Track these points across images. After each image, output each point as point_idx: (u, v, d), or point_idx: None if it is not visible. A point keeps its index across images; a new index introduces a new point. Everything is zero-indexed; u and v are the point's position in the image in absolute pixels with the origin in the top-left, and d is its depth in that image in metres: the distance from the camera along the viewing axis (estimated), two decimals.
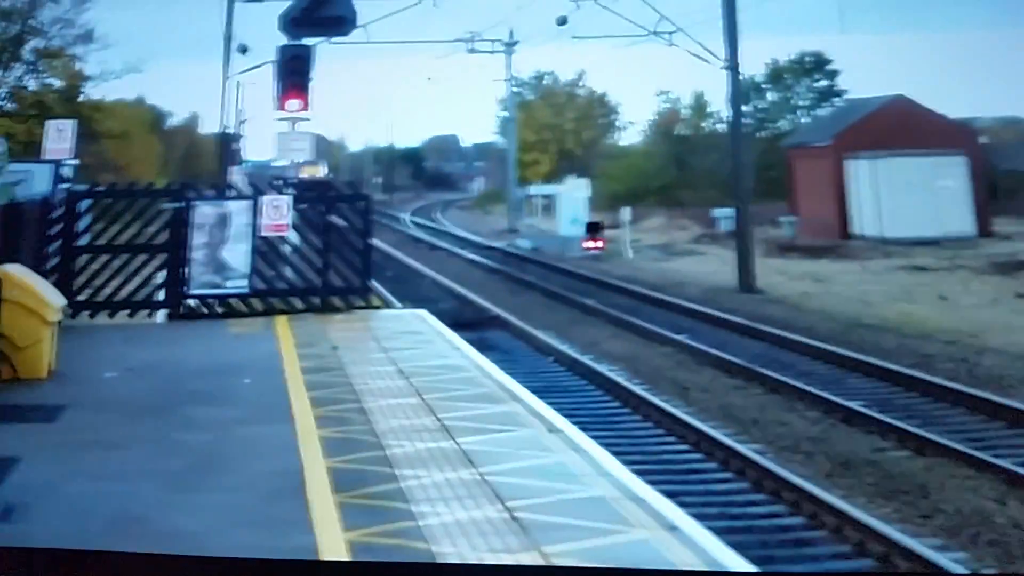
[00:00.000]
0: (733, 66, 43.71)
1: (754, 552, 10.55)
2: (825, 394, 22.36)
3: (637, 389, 22.90)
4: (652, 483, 11.44)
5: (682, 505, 10.77)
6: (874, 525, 14.71)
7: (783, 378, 23.92)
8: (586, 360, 26.02)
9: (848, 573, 13.73)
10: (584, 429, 13.68)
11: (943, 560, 13.70)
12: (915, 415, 21.05)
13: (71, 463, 11.76)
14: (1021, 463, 17.61)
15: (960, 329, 30.45)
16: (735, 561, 8.97)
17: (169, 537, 9.24)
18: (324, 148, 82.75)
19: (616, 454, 12.54)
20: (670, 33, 43.88)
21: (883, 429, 19.97)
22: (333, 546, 9.00)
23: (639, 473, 11.73)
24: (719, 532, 10.14)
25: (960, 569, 11.16)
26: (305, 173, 76.10)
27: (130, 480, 10.97)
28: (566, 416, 14.21)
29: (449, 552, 8.87)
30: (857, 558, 14.33)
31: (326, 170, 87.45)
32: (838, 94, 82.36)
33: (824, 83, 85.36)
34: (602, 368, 25.14)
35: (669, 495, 11.10)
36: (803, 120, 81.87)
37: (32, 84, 60.61)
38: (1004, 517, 15.66)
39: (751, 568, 7.97)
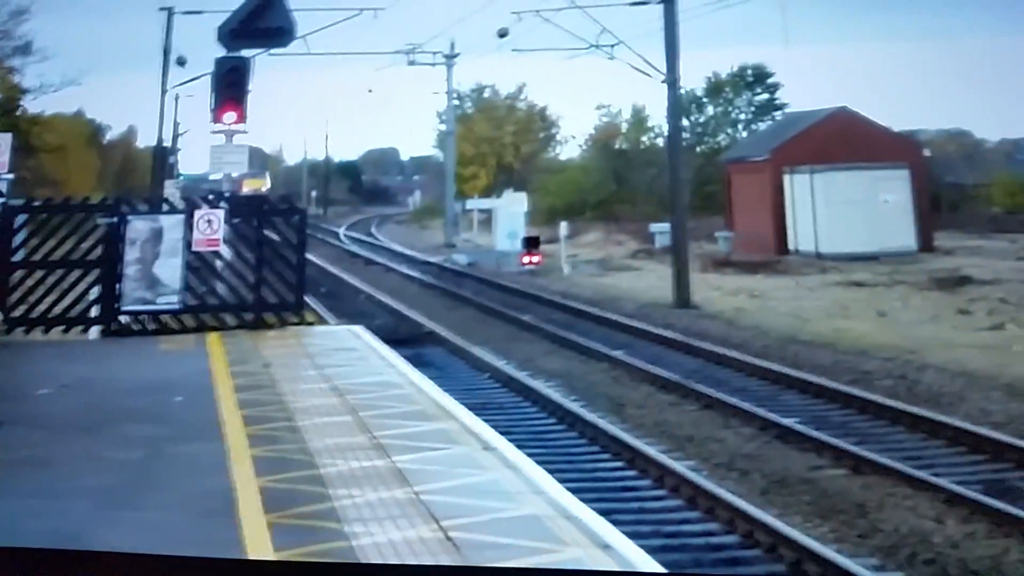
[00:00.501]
0: (673, 80, 43.89)
1: (689, 571, 10.62)
2: (760, 411, 22.41)
3: (572, 406, 22.90)
4: (586, 501, 11.58)
5: (616, 523, 10.95)
6: (810, 545, 14.77)
7: (718, 394, 23.97)
8: (522, 377, 26.02)
9: None
10: (519, 446, 13.84)
11: None
12: (852, 433, 21.09)
13: (3, 481, 11.85)
14: (960, 482, 17.67)
15: (899, 345, 30.61)
16: None
17: (102, 559, 9.32)
18: (260, 161, 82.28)
19: (551, 471, 12.67)
20: (611, 46, 44.13)
21: (819, 447, 20.01)
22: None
23: (573, 491, 11.87)
24: (652, 551, 10.31)
25: None
26: (248, 187, 75.51)
27: (63, 498, 11.05)
28: (501, 433, 14.37)
29: None
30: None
31: (270, 183, 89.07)
32: (779, 107, 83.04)
33: (764, 96, 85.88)
34: (538, 384, 25.16)
35: (603, 513, 11.24)
36: (742, 134, 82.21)
37: None
38: (941, 536, 15.70)
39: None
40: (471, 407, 16.11)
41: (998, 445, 19.78)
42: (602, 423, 21.41)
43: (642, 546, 10.20)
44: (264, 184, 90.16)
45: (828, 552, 14.62)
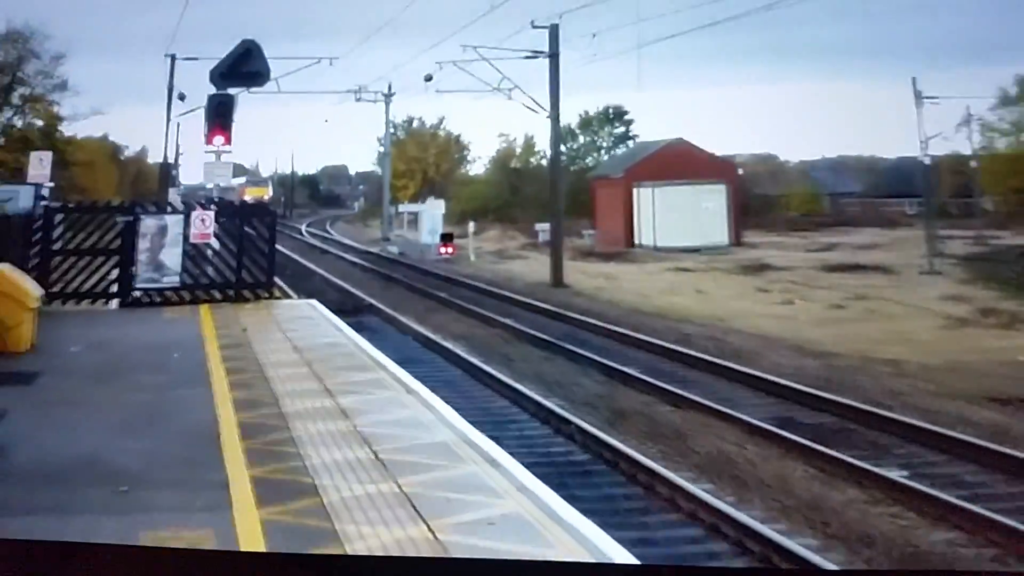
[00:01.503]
0: (554, 116, 44.05)
1: (554, 480, 10.74)
2: (609, 362, 22.71)
3: (474, 360, 23.11)
4: (481, 429, 11.72)
5: (503, 446, 10.99)
6: (641, 460, 15.08)
7: (580, 351, 24.24)
8: (436, 338, 26.14)
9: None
10: (433, 390, 13.91)
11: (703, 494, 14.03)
12: (677, 379, 21.35)
13: (44, 416, 11.81)
14: (756, 416, 17.99)
15: (713, 315, 30.93)
16: (541, 488, 9.25)
17: (116, 470, 9.40)
18: (240, 173, 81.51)
19: (456, 409, 12.71)
20: (509, 89, 44.07)
21: (652, 389, 20.33)
22: (239, 480, 9.07)
23: (472, 422, 12.00)
24: (529, 465, 10.46)
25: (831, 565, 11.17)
26: (250, 195, 71.50)
27: (88, 429, 11.03)
28: (420, 380, 14.36)
29: (328, 484, 9.06)
30: (627, 484, 14.58)
31: (271, 192, 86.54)
32: (632, 138, 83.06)
33: (621, 129, 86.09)
34: (448, 344, 25.30)
35: (493, 439, 11.38)
36: (604, 157, 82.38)
37: (19, 123, 60.02)
38: (743, 457, 15.98)
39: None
40: (398, 361, 16.04)
41: (786, 389, 20.14)
42: (494, 372, 21.62)
43: (522, 462, 10.35)
44: (266, 192, 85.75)
45: (655, 464, 14.91)
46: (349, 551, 7.39)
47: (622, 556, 6.54)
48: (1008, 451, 15.48)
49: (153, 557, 3.02)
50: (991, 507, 13.02)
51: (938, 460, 15.70)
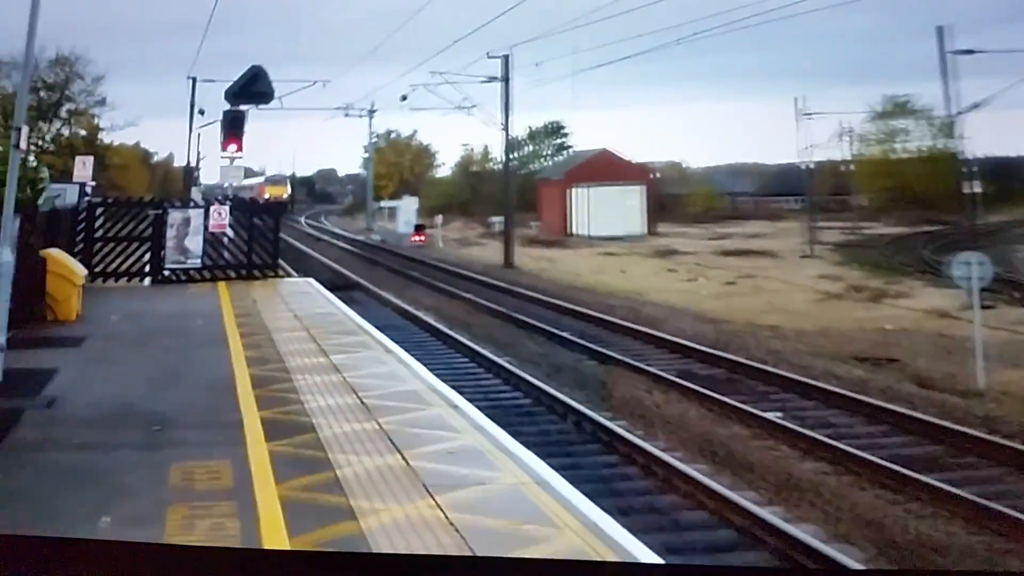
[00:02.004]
0: (506, 129, 44.17)
1: (503, 418, 10.88)
2: (548, 328, 22.85)
3: (440, 326, 23.14)
4: (445, 380, 11.82)
5: (461, 393, 11.10)
6: (572, 403, 15.22)
7: (526, 319, 24.32)
8: (411, 309, 26.13)
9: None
10: (407, 351, 13.99)
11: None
12: (602, 340, 21.46)
13: (90, 372, 11.85)
14: (662, 369, 18.15)
15: (632, 290, 31.08)
16: (491, 425, 9.40)
17: (150, 414, 9.46)
18: (251, 174, 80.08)
19: (425, 364, 12.77)
20: (470, 108, 44.09)
21: (582, 348, 20.48)
22: (252, 421, 9.11)
23: (438, 375, 12.11)
24: (482, 408, 10.61)
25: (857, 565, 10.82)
26: (269, 193, 71.39)
27: (126, 382, 11.07)
28: (397, 343, 14.39)
29: (322, 423, 9.18)
30: (560, 422, 14.72)
31: (290, 190, 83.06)
32: (569, 148, 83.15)
33: (560, 141, 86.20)
34: (420, 314, 25.29)
35: (455, 388, 11.48)
36: (547, 164, 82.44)
37: (66, 133, 59.69)
38: (651, 401, 16.11)
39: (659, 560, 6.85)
40: (379, 327, 16.07)
41: (687, 348, 20.35)
42: (456, 335, 21.72)
43: (477, 406, 10.51)
44: (285, 191, 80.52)
45: (582, 407, 15.01)
46: (339, 475, 7.56)
47: (647, 556, 6.36)
48: (866, 399, 15.69)
49: (170, 555, 2.76)
50: (851, 443, 13.18)
51: (808, 405, 15.85)
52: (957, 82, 30.51)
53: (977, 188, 45.09)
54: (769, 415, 14.70)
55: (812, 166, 58.40)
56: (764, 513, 10.49)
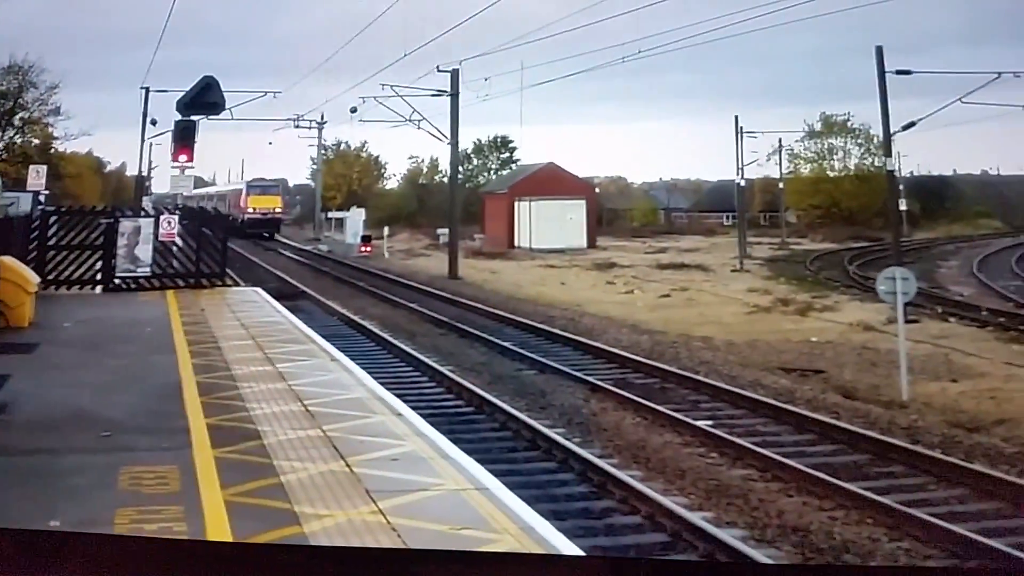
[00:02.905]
0: (454, 143, 44.10)
1: (444, 426, 10.88)
2: (490, 338, 22.79)
3: (385, 335, 22.99)
4: (389, 388, 11.90)
5: (405, 400, 11.23)
6: (512, 411, 15.23)
7: (469, 328, 24.26)
8: (356, 318, 25.98)
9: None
10: (352, 359, 14.00)
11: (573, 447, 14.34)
12: (542, 350, 21.45)
13: (42, 378, 11.80)
14: (599, 378, 18.15)
15: (571, 302, 31.05)
16: (432, 430, 9.45)
17: (100, 419, 9.46)
18: (198, 185, 77.94)
19: (370, 373, 12.84)
20: (419, 121, 43.90)
21: (522, 358, 20.45)
22: (198, 427, 9.14)
23: (383, 384, 12.16)
24: (425, 416, 10.65)
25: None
26: (253, 206, 63.28)
27: (78, 388, 11.04)
28: (342, 351, 14.46)
29: (267, 430, 9.18)
30: (500, 430, 14.70)
31: (281, 204, 68.40)
32: (514, 162, 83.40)
33: (506, 155, 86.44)
34: (365, 323, 25.15)
35: (399, 395, 11.54)
36: (492, 177, 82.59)
37: (19, 141, 58.93)
38: (588, 409, 16.10)
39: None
40: (325, 336, 16.09)
41: (623, 358, 20.42)
42: (400, 345, 21.59)
43: (420, 413, 10.55)
44: (278, 203, 66.65)
45: (521, 415, 15.03)
46: (283, 480, 7.59)
47: (568, 548, 6.50)
48: (792, 408, 15.81)
49: (117, 545, 2.72)
50: (778, 451, 13.27)
51: (737, 414, 15.95)
52: (899, 101, 31.00)
53: (904, 206, 45.79)
54: (700, 423, 14.81)
55: (743, 183, 59.04)
56: (694, 517, 10.63)
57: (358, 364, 13.47)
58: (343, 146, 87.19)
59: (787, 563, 9.58)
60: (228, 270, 24.55)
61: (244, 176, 72.00)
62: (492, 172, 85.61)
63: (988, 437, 14.41)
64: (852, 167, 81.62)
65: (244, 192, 65.56)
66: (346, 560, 2.79)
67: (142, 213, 23.49)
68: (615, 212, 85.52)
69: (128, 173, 77.24)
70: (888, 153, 32.60)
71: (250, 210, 63.41)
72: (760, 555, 9.74)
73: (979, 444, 13.95)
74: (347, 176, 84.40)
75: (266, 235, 61.05)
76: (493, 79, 58.70)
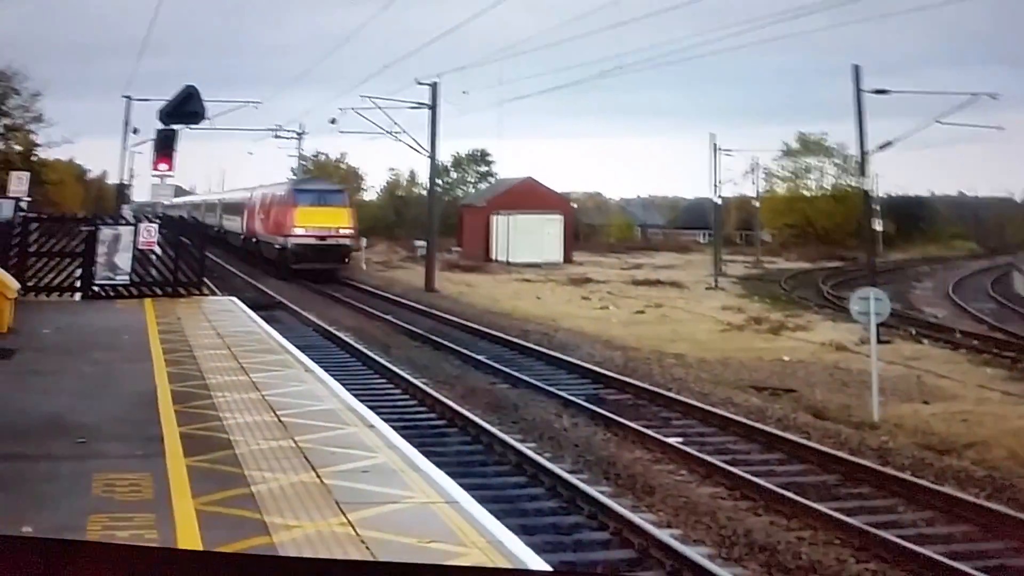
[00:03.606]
0: (432, 155, 44.16)
1: (416, 439, 10.92)
2: (464, 351, 22.80)
3: (360, 347, 22.95)
4: (362, 400, 11.92)
5: (378, 412, 11.17)
6: (484, 425, 15.21)
7: (443, 341, 24.27)
8: (331, 329, 25.94)
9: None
10: (326, 370, 14.03)
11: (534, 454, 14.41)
12: (515, 364, 21.46)
13: (18, 384, 11.81)
14: (571, 393, 18.13)
15: (546, 316, 31.09)
16: (404, 443, 9.50)
17: (76, 426, 9.47)
18: (181, 194, 77.15)
19: (344, 384, 12.88)
20: (398, 133, 43.86)
21: (496, 372, 20.47)
22: (172, 436, 9.13)
23: (356, 395, 12.21)
24: (397, 428, 10.69)
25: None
26: (303, 222, 41.33)
27: (56, 394, 11.06)
28: (316, 362, 14.47)
29: (240, 440, 9.21)
30: (472, 444, 14.70)
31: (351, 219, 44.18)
32: (492, 175, 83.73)
33: (484, 168, 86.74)
34: (341, 334, 25.14)
35: (371, 407, 11.58)
36: (471, 190, 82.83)
37: (1, 147, 58.75)
38: (560, 424, 16.11)
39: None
40: (300, 347, 16.11)
41: (596, 373, 20.40)
42: (375, 356, 21.58)
43: (392, 425, 10.60)
44: (344, 220, 43.23)
45: (493, 429, 15.02)
46: (253, 491, 7.63)
47: (536, 563, 6.51)
48: (762, 427, 15.79)
49: (86, 552, 2.64)
50: (747, 469, 13.27)
51: (708, 431, 15.98)
52: (875, 121, 31.20)
53: (879, 226, 46.27)
54: (670, 440, 14.85)
55: (719, 201, 59.40)
56: (662, 534, 10.69)
57: (332, 376, 13.49)
58: (322, 157, 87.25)
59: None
60: (205, 279, 24.53)
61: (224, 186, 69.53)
62: (470, 185, 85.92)
63: (958, 460, 14.41)
64: (828, 186, 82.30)
65: (290, 199, 43.64)
66: (314, 571, 2.84)
67: (122, 221, 23.43)
68: (592, 227, 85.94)
69: (109, 181, 76.99)
70: (863, 173, 32.77)
71: (298, 230, 41.78)
72: (726, 574, 9.79)
73: (949, 467, 13.94)
74: None
75: (322, 271, 41.42)
76: (472, 93, 58.86)
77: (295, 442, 9.15)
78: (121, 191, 46.31)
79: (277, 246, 43.81)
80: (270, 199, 47.36)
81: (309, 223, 41.91)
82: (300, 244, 41.52)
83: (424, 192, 54.92)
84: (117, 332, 16.50)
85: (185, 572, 2.41)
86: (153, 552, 3.67)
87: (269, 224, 45.91)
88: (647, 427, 15.67)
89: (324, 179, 53.50)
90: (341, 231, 42.73)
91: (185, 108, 23.52)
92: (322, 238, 41.83)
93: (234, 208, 57.27)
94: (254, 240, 48.98)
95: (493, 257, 58.49)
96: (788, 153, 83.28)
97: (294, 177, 55.11)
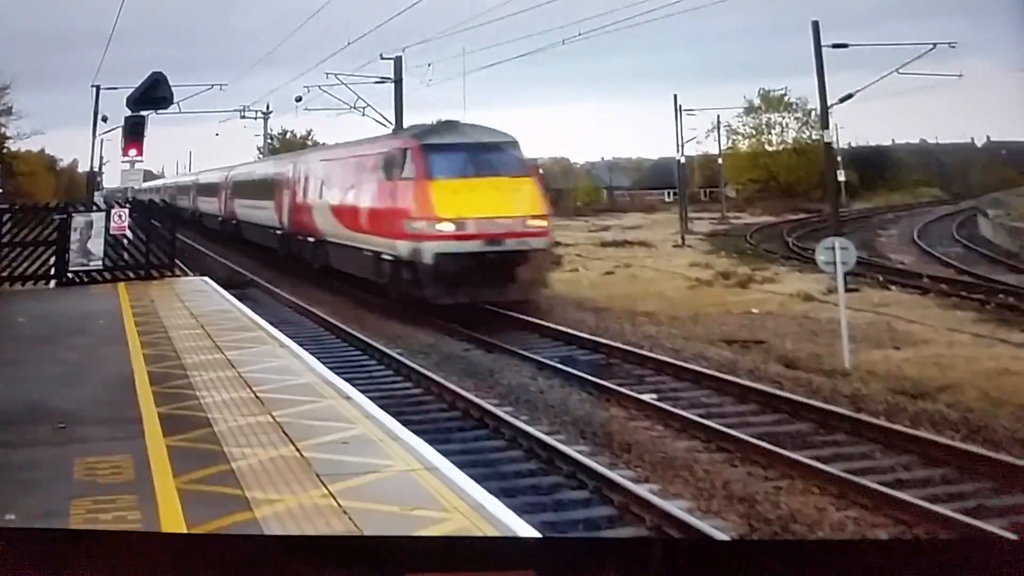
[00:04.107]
0: (398, 129, 43.84)
1: (393, 408, 10.94)
2: (438, 319, 22.34)
3: (334, 321, 22.79)
4: (338, 373, 11.94)
5: (353, 384, 11.19)
6: (460, 391, 15.28)
7: (415, 311, 23.57)
8: (306, 306, 25.68)
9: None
10: (301, 344, 14.03)
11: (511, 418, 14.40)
12: (492, 328, 21.27)
13: None
14: (546, 357, 18.16)
15: None
16: (382, 413, 9.52)
17: (55, 411, 9.46)
18: (150, 178, 75.92)
19: (318, 357, 12.89)
20: (363, 108, 43.41)
21: (469, 338, 20.47)
22: (150, 417, 9.16)
23: (331, 368, 12.22)
24: (374, 399, 10.70)
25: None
26: (465, 213, 28.63)
27: (33, 381, 11.04)
28: (291, 337, 14.47)
29: (218, 418, 9.21)
30: (450, 410, 14.73)
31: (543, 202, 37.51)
32: None
33: None
34: (314, 309, 24.91)
35: (348, 379, 11.58)
36: None
37: None
38: (535, 387, 16.14)
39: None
40: (274, 324, 16.12)
41: (569, 335, 20.33)
42: (348, 329, 21.48)
43: (369, 396, 10.59)
44: (533, 205, 23.95)
45: (470, 395, 15.05)
46: (234, 467, 7.65)
47: (517, 524, 6.54)
48: (735, 379, 15.86)
49: (76, 538, 2.66)
50: (722, 422, 13.35)
51: (681, 387, 16.05)
52: (838, 73, 31.27)
53: (842, 177, 46.24)
54: (645, 397, 14.92)
55: (683, 160, 59.32)
56: (640, 490, 10.79)
57: (307, 350, 13.47)
58: (289, 135, 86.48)
59: (738, 538, 9.70)
60: (177, 260, 24.42)
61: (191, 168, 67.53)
62: None
63: (932, 403, 14.43)
64: (790, 141, 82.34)
65: (412, 167, 23.44)
66: (298, 547, 2.85)
67: (94, 208, 23.34)
68: (559, 192, 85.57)
69: (80, 170, 76.02)
70: (825, 126, 32.85)
71: (442, 227, 22.32)
72: (708, 526, 9.84)
73: (924, 410, 13.99)
74: None
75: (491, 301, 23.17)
76: (436, 65, 58.30)
77: (273, 417, 9.19)
78: (92, 179, 45.90)
79: (388, 257, 24.56)
80: (357, 167, 26.59)
81: (463, 212, 22.67)
82: (448, 254, 22.48)
83: None
84: (92, 317, 16.43)
85: (169, 554, 2.42)
86: (142, 537, 3.67)
87: (362, 217, 25.92)
88: (621, 385, 15.71)
89: (475, 127, 28.36)
90: (529, 224, 23.61)
91: (153, 94, 23.39)
92: (494, 238, 22.69)
93: (257, 189, 39.64)
94: (310, 242, 31.45)
95: None
96: (750, 110, 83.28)
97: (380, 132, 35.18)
